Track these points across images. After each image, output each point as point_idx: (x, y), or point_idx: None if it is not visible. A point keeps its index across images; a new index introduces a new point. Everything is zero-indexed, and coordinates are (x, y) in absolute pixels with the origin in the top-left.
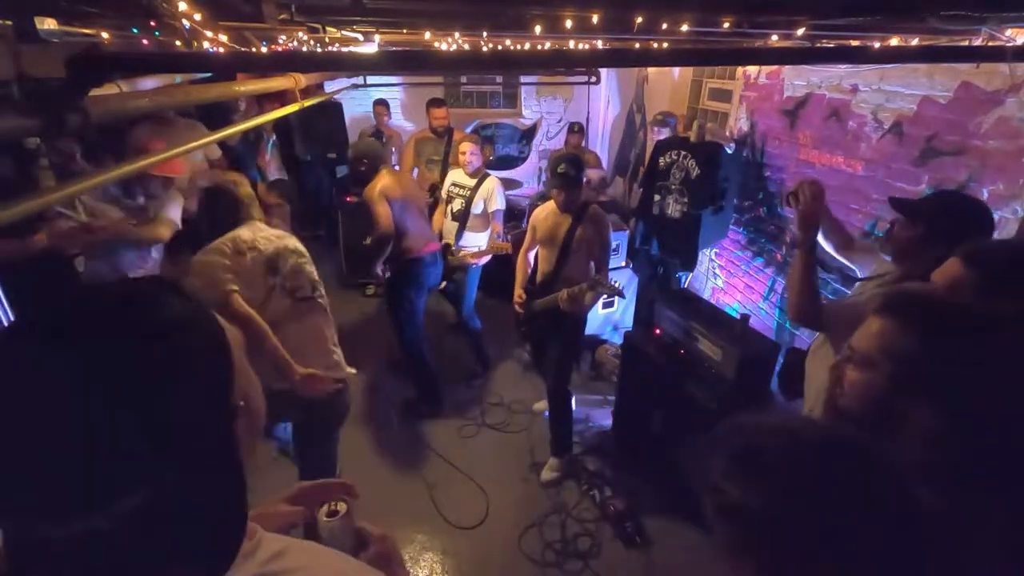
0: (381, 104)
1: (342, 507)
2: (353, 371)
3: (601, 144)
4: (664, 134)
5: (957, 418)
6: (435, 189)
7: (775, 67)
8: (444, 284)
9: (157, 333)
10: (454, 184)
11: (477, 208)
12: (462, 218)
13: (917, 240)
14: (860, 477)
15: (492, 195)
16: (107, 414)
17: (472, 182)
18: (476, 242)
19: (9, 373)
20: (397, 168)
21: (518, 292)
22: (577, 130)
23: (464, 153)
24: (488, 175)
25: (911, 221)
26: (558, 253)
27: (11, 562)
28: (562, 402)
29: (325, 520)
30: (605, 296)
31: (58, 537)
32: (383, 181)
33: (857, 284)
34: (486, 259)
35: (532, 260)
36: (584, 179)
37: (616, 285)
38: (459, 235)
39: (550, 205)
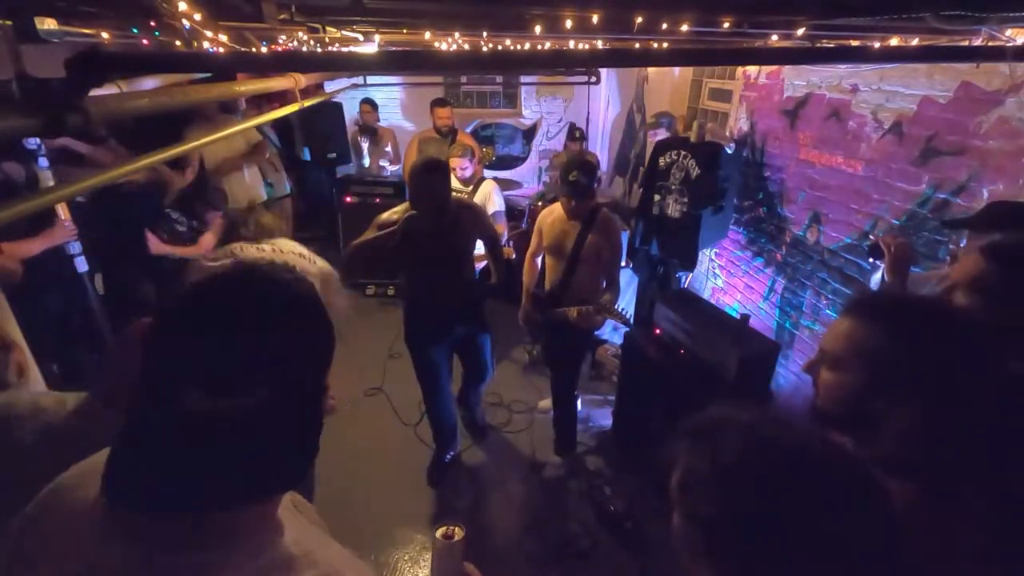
0: (368, 103)
1: (459, 533)
2: None
3: (601, 144)
4: (661, 135)
5: (928, 413)
6: None
7: (775, 67)
8: None
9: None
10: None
11: None
12: None
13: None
14: (817, 476)
15: (489, 198)
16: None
17: (468, 188)
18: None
19: (214, 303)
20: (390, 165)
21: (525, 303)
22: (578, 137)
23: (454, 169)
24: (484, 179)
25: (976, 233)
26: (566, 264)
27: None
28: (571, 403)
29: (439, 538)
30: (609, 315)
31: (202, 410)
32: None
33: None
34: (480, 264)
35: (539, 265)
36: (596, 184)
37: (624, 314)
38: None
39: (556, 208)
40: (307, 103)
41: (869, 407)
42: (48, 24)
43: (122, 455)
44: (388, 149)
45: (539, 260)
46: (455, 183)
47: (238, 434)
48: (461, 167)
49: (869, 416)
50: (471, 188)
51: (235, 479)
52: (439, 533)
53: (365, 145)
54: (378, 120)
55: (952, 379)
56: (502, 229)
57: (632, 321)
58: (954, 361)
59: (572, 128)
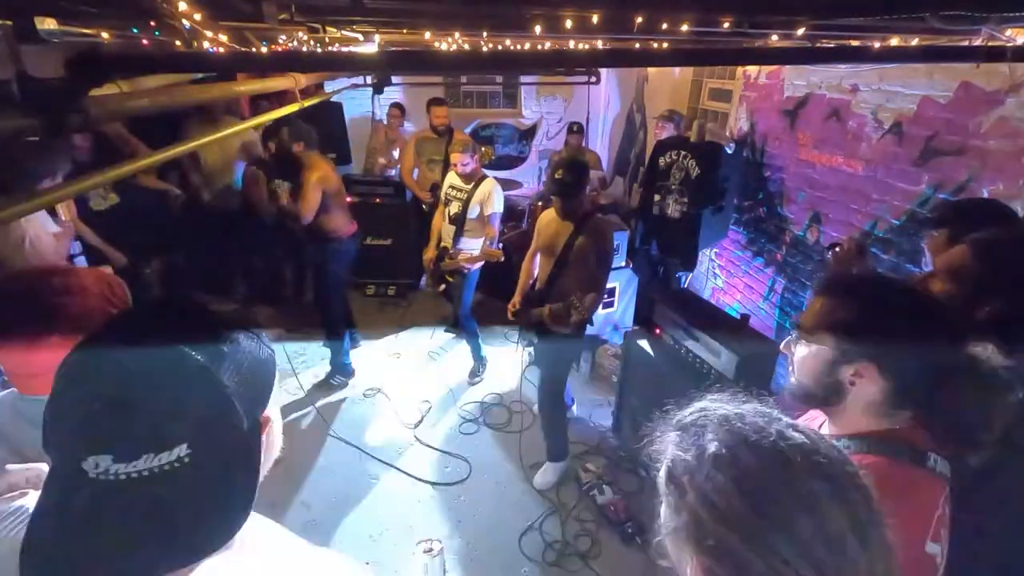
0: (397, 107)
1: (437, 546)
2: None
3: (601, 144)
4: (668, 130)
5: (890, 383)
6: (436, 189)
7: (775, 67)
8: (442, 286)
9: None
10: (451, 187)
11: (473, 212)
12: (459, 221)
13: (944, 244)
14: (799, 468)
15: (489, 198)
16: (176, 392)
17: (469, 185)
18: (474, 245)
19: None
20: (397, 166)
21: (515, 299)
22: (576, 130)
23: (455, 164)
24: (486, 177)
25: (934, 229)
26: (554, 264)
27: (58, 502)
28: (552, 408)
29: (424, 553)
30: (578, 316)
31: (119, 475)
32: (323, 170)
33: None
34: (479, 264)
35: (537, 264)
36: (586, 186)
37: (584, 308)
38: (456, 238)
39: (554, 211)
40: (307, 103)
41: (838, 378)
42: (48, 24)
43: (36, 530)
44: (395, 153)
45: (538, 260)
46: (456, 181)
47: (150, 500)
48: (462, 163)
49: (838, 387)
50: (472, 186)
51: (156, 549)
52: (420, 548)
53: (395, 153)
54: (402, 126)
55: (911, 349)
56: (493, 233)
57: (593, 319)
58: (914, 332)
59: (571, 124)
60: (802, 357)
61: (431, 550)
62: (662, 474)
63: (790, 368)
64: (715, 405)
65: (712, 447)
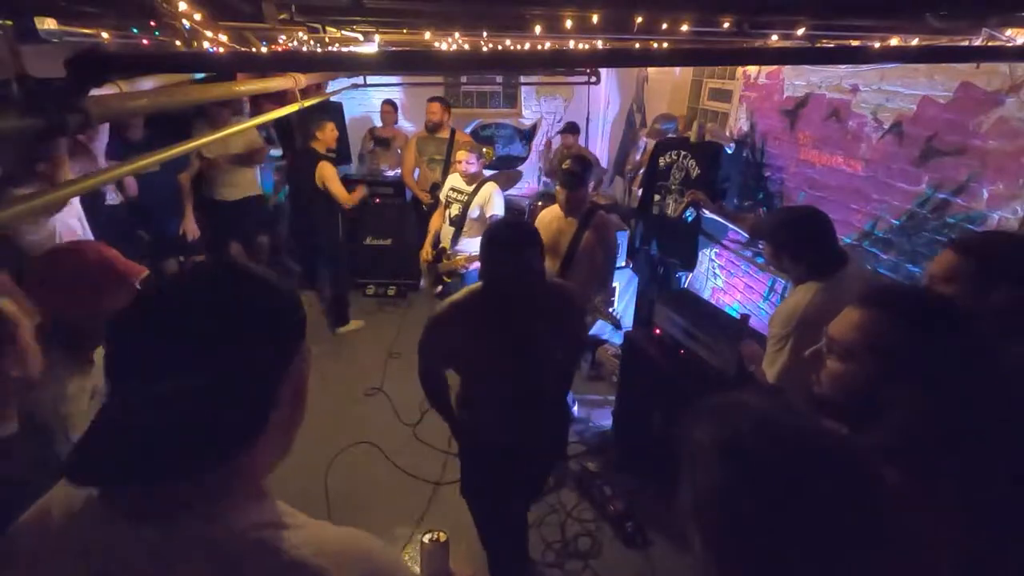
0: (389, 104)
1: (442, 537)
2: None
3: (601, 144)
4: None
5: (936, 405)
6: (436, 188)
7: (775, 67)
8: (439, 287)
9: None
10: (453, 189)
11: (474, 213)
12: (458, 223)
13: (772, 256)
14: (828, 471)
15: (489, 201)
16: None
17: (470, 188)
18: (473, 248)
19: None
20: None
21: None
22: (567, 129)
23: (460, 162)
24: (487, 181)
25: (763, 242)
26: (561, 263)
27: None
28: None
29: (425, 543)
30: (603, 319)
31: (155, 394)
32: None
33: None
34: (475, 265)
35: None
36: (590, 180)
37: (615, 315)
38: (455, 240)
39: (555, 209)
40: (307, 103)
41: (879, 397)
42: (48, 24)
43: (89, 437)
44: (399, 151)
45: None
46: (458, 184)
47: (194, 409)
48: (468, 161)
49: (877, 405)
50: (473, 188)
51: (195, 448)
52: (426, 538)
53: (372, 147)
54: (396, 122)
55: (962, 371)
56: None
57: (622, 322)
58: (965, 354)
59: (566, 124)
60: (834, 372)
61: (436, 539)
62: (683, 465)
63: (813, 378)
64: (735, 399)
65: (736, 437)
